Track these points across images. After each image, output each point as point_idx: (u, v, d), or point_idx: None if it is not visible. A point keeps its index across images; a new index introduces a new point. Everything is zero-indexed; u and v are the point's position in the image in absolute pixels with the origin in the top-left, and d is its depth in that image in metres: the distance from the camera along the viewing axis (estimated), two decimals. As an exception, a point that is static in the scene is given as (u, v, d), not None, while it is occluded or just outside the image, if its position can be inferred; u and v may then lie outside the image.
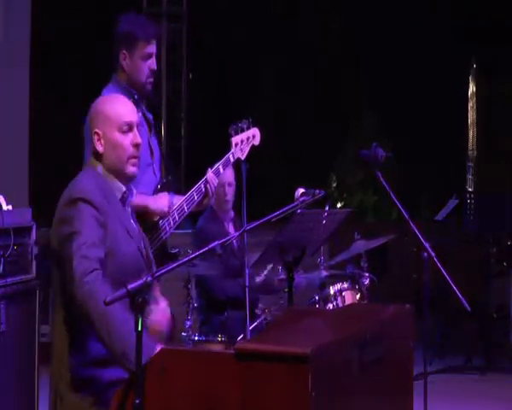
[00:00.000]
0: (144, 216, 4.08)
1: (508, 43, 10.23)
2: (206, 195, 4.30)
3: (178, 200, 4.28)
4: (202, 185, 4.28)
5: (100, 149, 3.28)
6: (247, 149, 4.48)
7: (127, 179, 3.33)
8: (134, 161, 3.30)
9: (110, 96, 3.43)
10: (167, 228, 4.22)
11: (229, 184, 5.70)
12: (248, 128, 4.50)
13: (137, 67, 4.19)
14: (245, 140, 4.47)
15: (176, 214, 4.24)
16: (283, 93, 11.70)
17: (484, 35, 10.76)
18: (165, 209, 4.12)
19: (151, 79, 4.26)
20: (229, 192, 5.72)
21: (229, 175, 5.62)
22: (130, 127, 3.29)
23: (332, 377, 2.72)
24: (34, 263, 4.44)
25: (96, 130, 3.29)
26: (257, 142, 4.54)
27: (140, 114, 4.29)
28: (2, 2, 6.70)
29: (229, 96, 11.17)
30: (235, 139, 4.43)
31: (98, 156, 3.30)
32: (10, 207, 4.30)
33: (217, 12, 10.98)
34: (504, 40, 10.36)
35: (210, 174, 4.30)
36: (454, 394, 6.68)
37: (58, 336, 3.21)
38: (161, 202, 4.15)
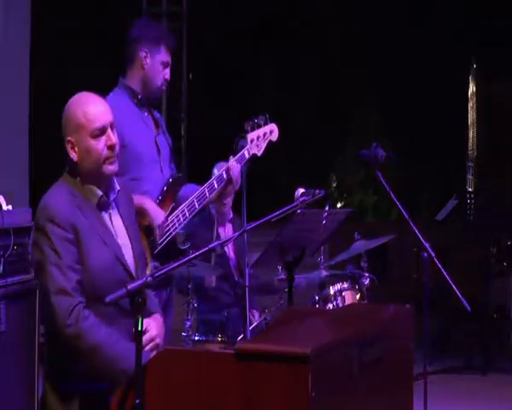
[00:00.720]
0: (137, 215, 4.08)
1: (508, 43, 10.24)
2: (229, 181, 4.30)
3: (195, 189, 4.27)
4: (224, 173, 4.28)
5: (74, 157, 3.25)
6: (263, 145, 4.47)
7: (107, 179, 3.30)
8: (111, 160, 3.26)
9: (80, 98, 3.30)
10: (177, 224, 4.22)
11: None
12: (266, 124, 4.49)
13: (156, 70, 4.26)
14: (261, 136, 4.46)
15: (186, 210, 4.24)
16: (283, 93, 11.71)
17: (484, 35, 10.76)
18: (159, 221, 4.12)
19: (164, 88, 4.31)
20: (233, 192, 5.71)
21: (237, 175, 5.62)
22: (102, 131, 3.23)
23: (332, 377, 2.72)
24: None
25: (69, 138, 3.25)
26: (274, 138, 4.52)
27: (145, 113, 4.30)
28: (2, 3, 6.69)
29: (229, 96, 11.18)
30: (251, 135, 4.42)
31: (73, 164, 3.27)
32: (10, 207, 4.30)
33: (217, 12, 10.98)
34: (504, 40, 10.36)
35: (232, 162, 4.30)
36: (454, 394, 6.68)
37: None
38: (160, 214, 4.16)
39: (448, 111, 11.27)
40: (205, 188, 4.29)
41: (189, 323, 5.11)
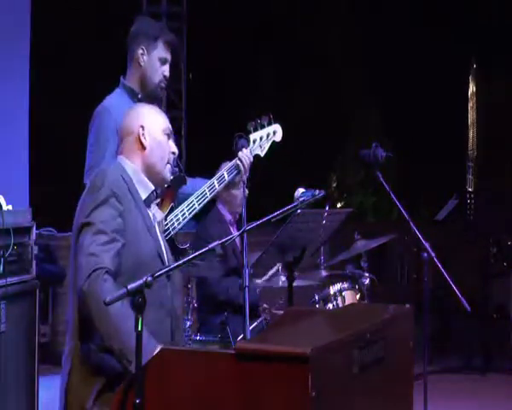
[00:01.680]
0: None
1: (508, 43, 10.24)
2: (239, 172, 4.30)
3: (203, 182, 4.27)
4: (225, 173, 4.28)
5: (145, 142, 3.37)
6: (266, 146, 4.45)
7: (160, 182, 3.41)
8: (169, 166, 3.42)
9: (149, 105, 3.59)
10: (176, 224, 4.22)
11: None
12: (269, 124, 4.47)
13: (153, 66, 4.23)
14: (264, 136, 4.44)
15: (185, 210, 4.23)
16: (283, 93, 11.71)
17: (484, 35, 10.76)
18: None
19: (163, 85, 4.29)
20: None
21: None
22: (170, 135, 3.45)
23: (332, 377, 2.72)
24: (34, 263, 4.44)
25: (143, 124, 3.38)
26: (278, 138, 4.50)
27: None
28: (2, 2, 6.70)
29: (229, 96, 11.18)
30: (254, 136, 4.41)
31: (135, 151, 3.37)
32: (10, 207, 4.30)
33: (217, 12, 10.98)
34: (504, 40, 10.37)
35: (241, 153, 4.29)
36: (454, 394, 6.68)
37: (73, 318, 3.24)
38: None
39: (448, 111, 11.28)
40: (205, 187, 4.28)
41: (189, 323, 5.12)
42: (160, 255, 3.33)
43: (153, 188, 3.39)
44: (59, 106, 9.32)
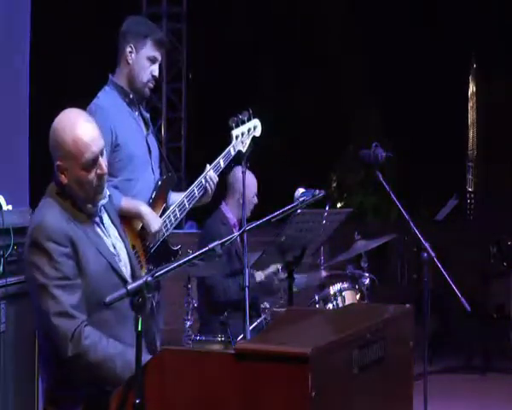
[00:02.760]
0: (130, 220, 4.07)
1: (508, 43, 10.24)
2: (205, 192, 4.30)
3: (178, 197, 4.28)
4: (203, 180, 4.29)
5: (64, 180, 3.22)
6: (247, 142, 4.46)
7: (94, 207, 3.28)
8: (99, 189, 3.24)
9: (69, 119, 3.26)
10: (168, 225, 4.22)
11: (255, 194, 5.74)
12: (249, 120, 4.49)
13: (141, 65, 4.20)
14: (246, 132, 4.46)
15: (177, 210, 4.24)
16: (283, 93, 11.70)
17: (484, 35, 10.76)
18: (155, 230, 4.11)
19: (151, 84, 4.26)
20: (256, 201, 5.75)
21: (255, 184, 5.67)
22: (94, 161, 3.18)
23: (332, 377, 2.72)
24: (34, 263, 4.42)
25: (59, 162, 3.21)
26: (258, 133, 4.52)
27: (136, 113, 4.28)
28: (2, 2, 6.69)
29: (229, 96, 11.17)
30: (236, 132, 4.41)
31: (62, 186, 3.25)
32: (10, 207, 4.30)
33: (217, 12, 10.98)
34: (504, 40, 10.36)
35: (210, 173, 4.30)
36: (454, 394, 6.68)
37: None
38: (157, 221, 4.15)
39: (448, 111, 11.27)
40: (194, 187, 4.29)
41: (189, 323, 5.11)
42: (112, 267, 3.24)
43: (90, 206, 3.27)
44: (59, 106, 9.31)
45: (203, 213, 5.94)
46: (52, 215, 3.18)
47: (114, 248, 3.33)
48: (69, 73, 9.66)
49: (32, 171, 6.95)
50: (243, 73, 11.29)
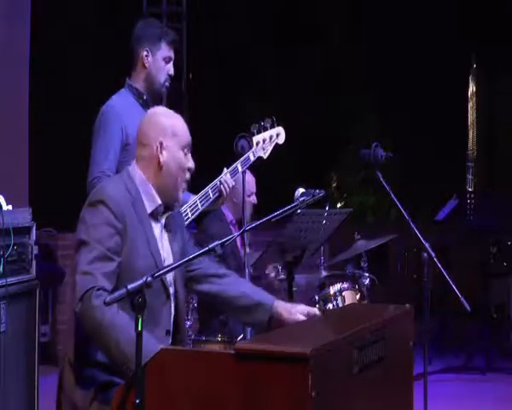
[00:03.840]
0: None
1: (508, 42, 10.24)
2: (220, 195, 4.33)
3: (189, 197, 4.30)
4: (218, 183, 4.31)
5: (162, 160, 3.27)
6: (269, 148, 4.51)
7: (170, 200, 3.33)
8: (185, 185, 3.35)
9: (170, 112, 3.40)
10: None
11: (253, 193, 5.74)
12: (272, 127, 4.52)
13: (159, 67, 4.29)
14: (267, 139, 4.49)
15: (188, 211, 4.26)
16: (283, 93, 11.70)
17: (484, 34, 10.76)
18: None
19: (167, 83, 4.33)
20: (255, 200, 5.76)
21: (253, 184, 5.67)
22: (189, 149, 3.35)
23: (332, 377, 2.72)
24: (34, 263, 4.44)
25: (162, 139, 3.27)
26: (281, 140, 4.55)
27: None
28: (2, 4, 6.70)
29: (229, 96, 11.18)
30: (257, 138, 4.45)
31: (151, 166, 3.28)
32: (10, 207, 4.30)
33: (217, 12, 10.98)
34: (504, 39, 10.37)
35: (226, 176, 4.33)
36: (454, 394, 6.68)
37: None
38: None
39: (448, 111, 11.27)
40: (209, 189, 4.31)
41: (188, 323, 5.11)
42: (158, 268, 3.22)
43: (159, 202, 3.30)
44: (59, 106, 9.32)
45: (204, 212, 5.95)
46: (115, 190, 3.22)
47: (164, 261, 3.31)
48: (69, 73, 9.66)
49: (31, 171, 6.96)
50: (243, 72, 11.29)
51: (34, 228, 4.45)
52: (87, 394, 3.14)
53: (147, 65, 4.27)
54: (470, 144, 12.21)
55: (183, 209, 4.25)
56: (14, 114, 6.84)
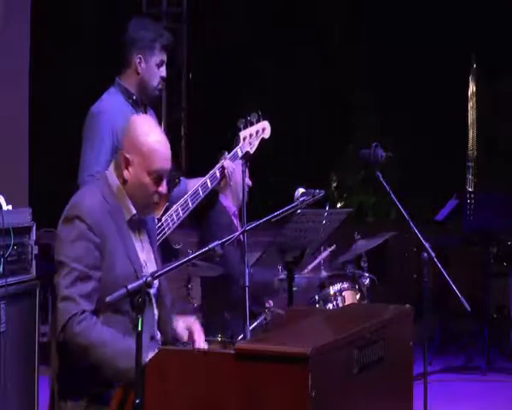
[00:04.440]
0: None
1: (508, 42, 10.23)
2: (223, 177, 4.33)
3: (194, 183, 4.30)
4: (217, 171, 4.31)
5: (126, 175, 3.21)
6: (256, 143, 4.51)
7: (142, 213, 3.28)
8: (155, 206, 3.28)
9: (152, 127, 3.26)
10: (170, 224, 4.23)
11: (248, 186, 5.75)
12: (258, 121, 4.52)
13: (152, 73, 4.25)
14: (254, 134, 4.49)
15: (180, 209, 4.25)
16: (283, 93, 11.70)
17: (484, 34, 10.75)
18: None
19: (160, 86, 4.31)
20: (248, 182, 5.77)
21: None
22: (160, 177, 3.21)
23: (332, 377, 2.72)
24: (34, 263, 4.44)
25: (127, 155, 3.19)
26: (267, 135, 4.55)
27: (140, 114, 4.29)
28: (2, 4, 6.70)
29: (229, 96, 11.17)
30: (244, 133, 4.45)
31: (120, 173, 3.23)
32: (10, 207, 4.30)
33: (217, 12, 10.98)
34: (504, 39, 10.36)
35: (226, 161, 4.33)
36: (454, 394, 6.68)
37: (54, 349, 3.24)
38: None
39: (448, 111, 11.26)
40: (198, 187, 4.30)
41: (189, 323, 5.11)
42: (138, 278, 3.17)
43: (134, 212, 3.25)
44: (59, 106, 9.31)
45: (203, 211, 5.96)
46: (91, 201, 3.16)
47: (145, 264, 3.30)
48: (69, 73, 9.66)
49: (31, 171, 6.96)
50: (243, 72, 11.29)
51: (34, 228, 4.45)
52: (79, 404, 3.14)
53: (140, 71, 4.23)
54: (470, 144, 12.20)
55: (173, 208, 4.24)
56: (14, 114, 6.84)
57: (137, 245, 3.29)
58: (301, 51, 11.58)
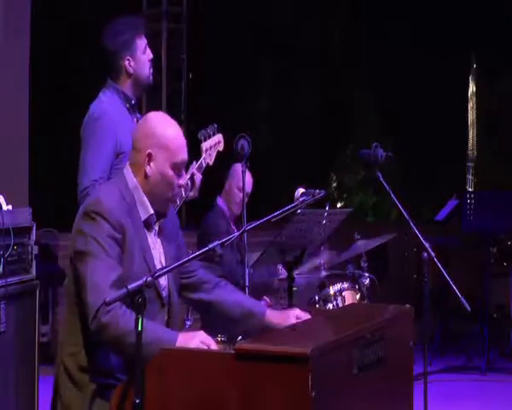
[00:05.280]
0: None
1: (508, 42, 10.24)
2: (192, 187, 4.35)
3: None
4: (189, 181, 4.33)
5: (149, 171, 3.19)
6: (214, 155, 4.55)
7: (160, 210, 3.28)
8: (175, 199, 3.30)
9: (170, 121, 3.29)
10: None
11: (247, 194, 5.75)
12: (214, 134, 4.56)
13: (141, 63, 4.26)
14: (213, 146, 4.54)
15: None
16: (283, 93, 11.71)
17: (484, 34, 10.76)
18: None
19: (151, 70, 4.32)
20: (246, 200, 5.77)
21: (250, 184, 5.68)
22: (181, 167, 3.22)
23: (332, 377, 2.72)
24: (34, 263, 4.44)
25: (150, 151, 3.18)
26: (221, 148, 4.61)
27: (135, 120, 4.29)
28: (2, 2, 6.70)
29: (229, 96, 11.18)
30: (205, 145, 4.50)
31: (140, 172, 3.22)
32: (10, 207, 4.30)
33: (217, 12, 10.98)
34: (504, 39, 10.37)
35: (194, 170, 4.36)
36: (454, 394, 6.68)
37: (66, 332, 3.22)
38: None
39: (448, 111, 11.27)
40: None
41: (188, 323, 5.11)
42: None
43: (152, 212, 3.24)
44: (59, 106, 9.32)
45: (202, 211, 5.97)
46: (111, 199, 3.15)
47: (160, 265, 3.28)
48: (69, 73, 9.67)
49: (32, 171, 6.96)
50: (243, 72, 11.29)
51: (34, 228, 4.45)
52: (84, 398, 3.13)
53: (131, 71, 4.23)
54: (470, 144, 12.21)
55: None
56: (14, 114, 6.84)
57: (152, 246, 3.28)
58: (301, 51, 11.59)
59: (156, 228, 3.31)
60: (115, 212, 3.12)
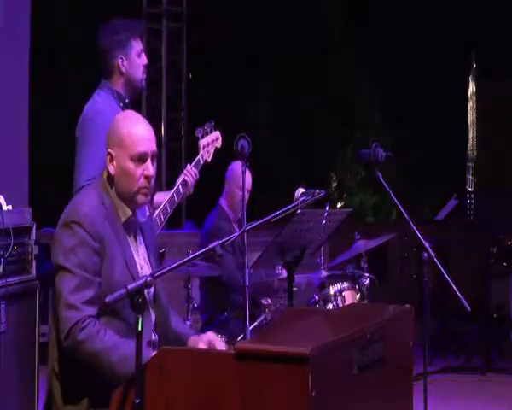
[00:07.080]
0: None
1: (508, 42, 10.24)
2: (185, 185, 4.35)
3: (163, 197, 4.31)
4: (180, 187, 4.34)
5: (111, 170, 3.22)
6: (212, 152, 4.56)
7: (134, 207, 3.28)
8: (145, 190, 3.24)
9: (130, 116, 3.31)
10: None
11: (248, 191, 5.74)
12: (212, 131, 4.57)
13: (135, 65, 4.26)
14: (210, 143, 4.55)
15: (161, 215, 4.26)
16: (283, 93, 11.72)
17: (484, 34, 10.77)
18: None
19: (145, 75, 4.32)
20: (247, 197, 5.76)
21: (250, 181, 5.67)
22: (143, 158, 3.20)
23: (332, 377, 2.72)
24: (34, 263, 4.44)
25: (110, 150, 3.22)
26: (219, 144, 4.62)
27: None
28: (2, 2, 6.70)
29: (229, 96, 11.19)
30: (203, 142, 4.50)
31: (109, 176, 3.25)
32: (10, 207, 4.30)
33: (217, 12, 10.99)
34: (504, 39, 10.37)
35: (188, 166, 4.37)
36: (454, 394, 6.68)
37: (52, 338, 3.23)
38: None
39: (448, 111, 11.28)
40: (173, 193, 4.33)
41: (188, 323, 5.11)
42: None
43: (130, 213, 3.26)
44: (59, 106, 9.32)
45: (203, 211, 5.97)
46: (89, 206, 3.17)
47: (141, 268, 3.29)
48: (69, 73, 9.67)
49: (31, 171, 6.95)
50: (243, 73, 11.30)
51: (34, 228, 4.45)
52: (80, 405, 3.13)
53: (123, 70, 4.24)
54: (470, 144, 12.22)
55: (155, 213, 4.24)
56: (13, 113, 6.84)
57: (133, 248, 3.29)
58: (301, 51, 11.59)
59: (138, 231, 3.32)
60: (93, 219, 3.13)
